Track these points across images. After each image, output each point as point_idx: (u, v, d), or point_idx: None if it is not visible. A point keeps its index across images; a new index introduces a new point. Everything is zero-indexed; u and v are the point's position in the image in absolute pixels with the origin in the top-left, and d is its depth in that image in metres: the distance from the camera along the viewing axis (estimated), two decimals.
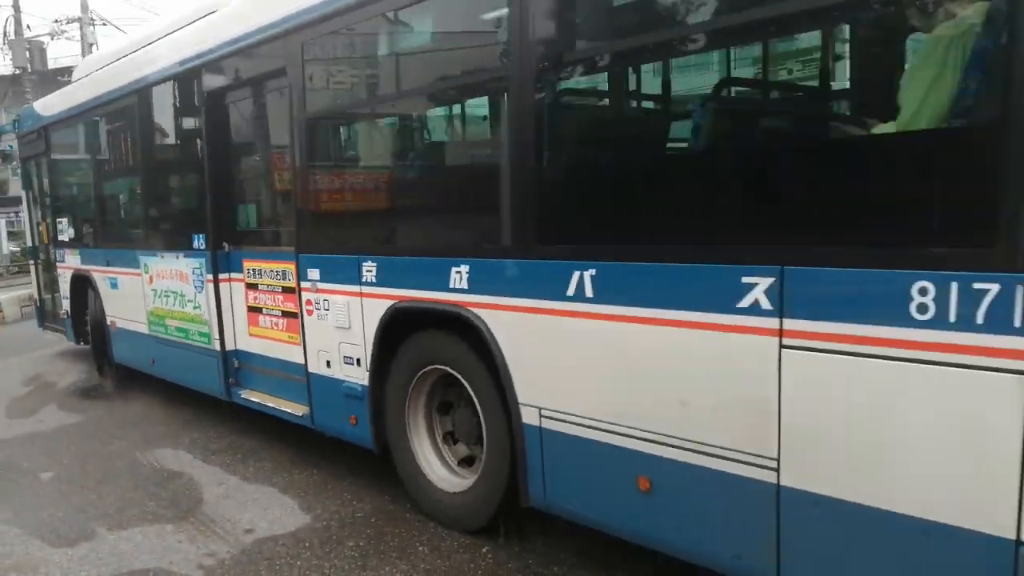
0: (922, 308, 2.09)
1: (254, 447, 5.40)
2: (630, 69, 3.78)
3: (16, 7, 26.14)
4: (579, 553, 3.55)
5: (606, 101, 3.98)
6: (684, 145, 3.25)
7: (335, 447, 5.01)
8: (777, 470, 2.44)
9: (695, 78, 3.99)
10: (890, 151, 2.38)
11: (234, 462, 5.13)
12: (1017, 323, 1.93)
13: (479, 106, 4.15)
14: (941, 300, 2.05)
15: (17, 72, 27.06)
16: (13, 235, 31.17)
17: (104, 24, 27.96)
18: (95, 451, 5.56)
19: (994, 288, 1.96)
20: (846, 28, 3.48)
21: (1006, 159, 1.94)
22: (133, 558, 3.80)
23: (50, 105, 8.11)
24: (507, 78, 3.26)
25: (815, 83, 3.52)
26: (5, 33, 25.02)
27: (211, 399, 6.19)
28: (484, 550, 3.65)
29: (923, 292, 2.09)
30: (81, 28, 23.38)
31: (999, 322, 1.96)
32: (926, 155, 2.27)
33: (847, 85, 3.46)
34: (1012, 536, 1.99)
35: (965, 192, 2.11)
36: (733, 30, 2.92)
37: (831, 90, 3.55)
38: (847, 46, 3.46)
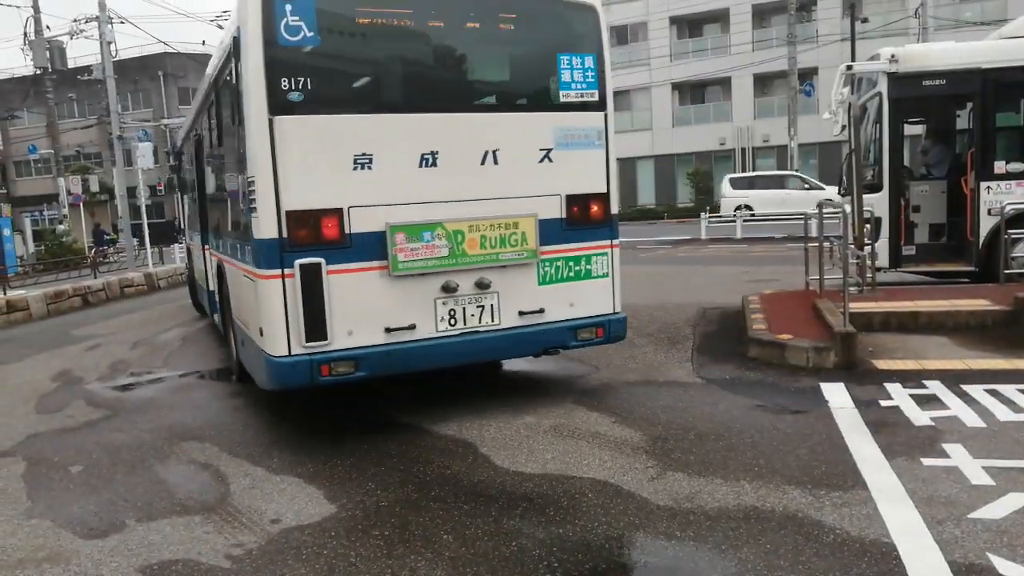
0: (250, 255, 5.14)
1: (278, 439, 5.45)
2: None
3: (36, 8, 26.43)
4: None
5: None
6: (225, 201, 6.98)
7: (359, 439, 5.02)
8: (262, 336, 5.08)
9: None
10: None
11: (260, 454, 5.18)
12: (270, 263, 4.91)
13: (216, 169, 7.59)
14: (252, 254, 5.13)
15: (38, 72, 27.38)
16: (38, 234, 31.59)
17: (122, 22, 28.14)
18: (123, 445, 5.63)
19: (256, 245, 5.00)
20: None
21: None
22: (162, 549, 3.84)
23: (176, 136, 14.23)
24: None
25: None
26: (25, 34, 25.30)
27: (234, 396, 6.84)
28: (509, 537, 3.68)
29: (258, 250, 4.99)
30: (99, 27, 23.56)
31: (263, 262, 4.92)
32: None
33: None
34: (287, 354, 4.92)
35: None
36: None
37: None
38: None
